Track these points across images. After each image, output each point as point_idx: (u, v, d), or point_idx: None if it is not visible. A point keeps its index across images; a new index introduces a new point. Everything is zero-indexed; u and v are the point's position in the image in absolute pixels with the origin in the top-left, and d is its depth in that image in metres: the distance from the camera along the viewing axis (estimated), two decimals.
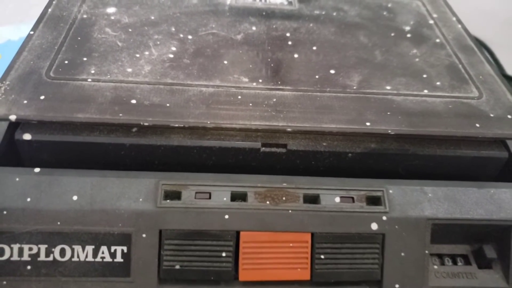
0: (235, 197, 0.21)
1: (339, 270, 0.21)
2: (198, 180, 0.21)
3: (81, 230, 0.20)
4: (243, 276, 0.20)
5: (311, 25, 0.29)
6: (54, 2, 0.27)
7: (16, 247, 0.20)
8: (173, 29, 0.27)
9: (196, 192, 0.21)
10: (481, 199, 0.22)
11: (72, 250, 0.20)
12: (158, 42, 0.26)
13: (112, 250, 0.20)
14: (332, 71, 0.25)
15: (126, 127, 0.21)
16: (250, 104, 0.22)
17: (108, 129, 0.21)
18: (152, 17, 0.28)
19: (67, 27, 0.26)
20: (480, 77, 0.26)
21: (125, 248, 0.20)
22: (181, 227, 0.20)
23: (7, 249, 0.19)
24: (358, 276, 0.21)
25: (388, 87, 0.24)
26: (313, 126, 0.22)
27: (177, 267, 0.20)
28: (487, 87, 0.25)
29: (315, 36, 0.28)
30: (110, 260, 0.20)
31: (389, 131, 0.22)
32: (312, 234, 0.21)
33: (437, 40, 0.29)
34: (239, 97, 0.23)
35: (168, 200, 0.20)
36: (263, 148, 0.22)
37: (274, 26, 0.29)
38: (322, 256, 0.21)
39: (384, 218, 0.21)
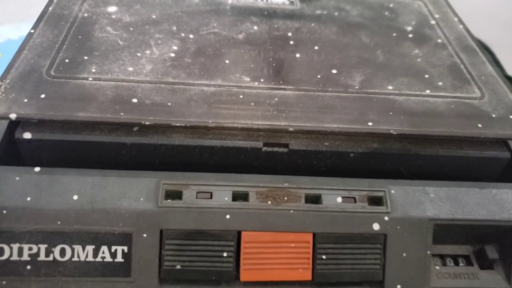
0: (236, 197, 0.21)
1: (341, 271, 0.21)
2: (199, 179, 0.21)
3: (82, 229, 0.20)
4: (244, 276, 0.20)
5: (312, 25, 0.29)
6: (55, 0, 0.27)
7: (16, 246, 0.19)
8: (175, 28, 0.27)
9: (197, 192, 0.21)
10: (483, 199, 0.22)
11: (72, 250, 0.20)
12: (160, 41, 0.26)
13: (113, 250, 0.20)
14: (334, 71, 0.25)
15: (127, 126, 0.21)
16: (252, 104, 0.22)
17: (109, 128, 0.21)
18: (154, 16, 0.28)
19: (68, 25, 0.26)
20: (482, 77, 0.26)
21: (125, 248, 0.20)
22: (182, 227, 0.20)
23: (6, 248, 0.19)
24: (360, 277, 0.21)
25: (390, 87, 0.24)
26: (315, 125, 0.21)
27: (178, 267, 0.20)
28: (489, 88, 0.25)
29: (316, 36, 0.28)
30: (111, 260, 0.20)
31: (391, 131, 0.22)
32: (314, 234, 0.21)
33: (439, 41, 0.28)
34: (241, 96, 0.23)
35: (169, 200, 0.20)
36: (265, 147, 0.22)
37: (275, 26, 0.28)
38: (324, 257, 0.21)
39: (386, 218, 0.21)
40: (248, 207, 0.21)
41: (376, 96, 0.24)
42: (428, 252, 0.21)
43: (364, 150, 0.22)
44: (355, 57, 0.26)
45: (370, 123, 0.22)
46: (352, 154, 0.22)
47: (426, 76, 0.25)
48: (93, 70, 0.23)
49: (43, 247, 0.19)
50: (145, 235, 0.20)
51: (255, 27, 0.28)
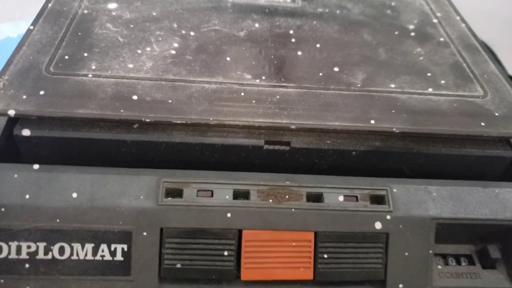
0: (237, 195, 0.21)
1: (342, 270, 0.21)
2: (200, 177, 0.21)
3: (81, 228, 0.19)
4: (245, 275, 0.20)
5: (314, 22, 0.29)
6: None
7: (14, 244, 0.19)
8: (175, 25, 0.27)
9: (198, 190, 0.21)
10: (486, 198, 0.22)
11: (72, 248, 0.19)
12: (160, 38, 0.25)
13: (112, 249, 0.20)
14: (336, 69, 0.25)
15: (127, 123, 0.21)
16: (253, 101, 0.22)
17: (109, 125, 0.21)
18: (154, 13, 0.27)
19: (67, 22, 0.25)
20: (485, 76, 0.25)
21: (125, 246, 0.20)
22: (183, 225, 0.20)
23: (5, 247, 0.19)
24: (362, 276, 0.21)
25: (393, 85, 0.24)
26: (317, 123, 0.21)
27: (178, 266, 0.20)
28: (492, 86, 0.25)
29: (318, 33, 0.28)
30: (110, 258, 0.20)
31: (394, 129, 0.22)
32: (315, 233, 0.21)
33: (441, 39, 0.28)
34: (242, 94, 0.22)
35: (169, 198, 0.20)
36: (266, 145, 0.22)
37: (277, 24, 0.28)
38: (325, 256, 0.21)
39: (388, 217, 0.21)
40: (249, 205, 0.20)
41: (378, 94, 0.23)
42: (430, 251, 0.21)
43: (366, 148, 0.22)
44: (357, 55, 0.26)
45: (372, 121, 0.22)
46: (354, 153, 0.22)
47: (429, 74, 0.25)
48: (93, 67, 0.23)
49: (41, 245, 0.19)
50: (145, 233, 0.20)
51: (257, 25, 0.28)
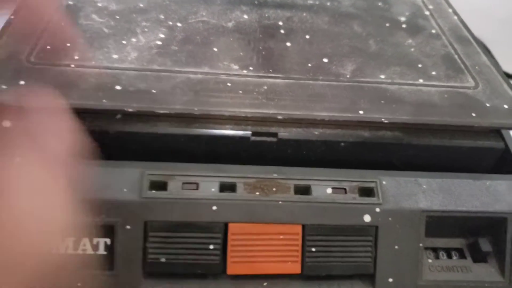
0: (223, 188, 0.20)
1: (331, 263, 0.20)
2: (185, 170, 0.20)
3: None
4: (231, 269, 0.20)
5: (304, 14, 0.28)
6: None
7: None
8: (162, 16, 0.26)
9: (183, 183, 0.20)
10: (477, 191, 0.22)
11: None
12: (146, 29, 0.25)
13: (95, 242, 0.19)
14: (325, 60, 0.24)
15: (110, 113, 0.20)
16: (240, 92, 0.22)
17: (91, 116, 0.20)
18: (141, 5, 0.27)
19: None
20: (476, 67, 0.25)
21: (108, 240, 0.19)
22: (167, 218, 0.19)
23: None
24: (350, 270, 0.21)
25: (382, 76, 0.24)
26: (304, 114, 0.21)
27: (163, 260, 0.19)
28: (483, 77, 0.25)
29: (308, 25, 0.27)
30: (93, 252, 0.19)
31: (383, 119, 0.21)
32: (303, 226, 0.20)
33: (433, 31, 0.28)
34: (229, 84, 0.22)
35: (153, 191, 0.20)
36: (253, 137, 0.21)
37: (266, 15, 0.28)
38: (313, 249, 0.20)
39: (377, 210, 0.21)
40: (236, 198, 0.20)
41: (368, 85, 0.23)
42: (421, 244, 0.21)
43: (355, 139, 0.22)
44: (346, 47, 0.26)
45: (361, 112, 0.21)
46: (342, 144, 0.22)
47: (420, 65, 0.25)
48: (76, 57, 0.22)
49: None
50: (128, 227, 0.19)
51: (245, 16, 0.27)
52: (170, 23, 0.26)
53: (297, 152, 0.22)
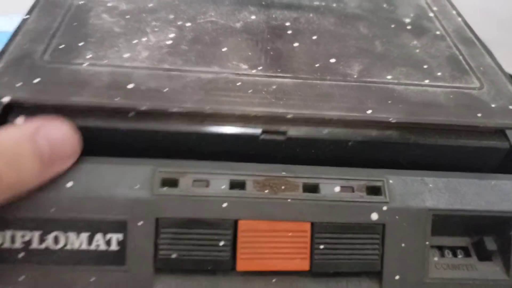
0: (233, 185, 0.21)
1: (339, 261, 0.21)
2: (196, 167, 0.21)
3: (76, 217, 0.19)
4: (240, 266, 0.20)
5: (311, 15, 0.29)
6: None
7: (8, 233, 0.19)
8: (172, 16, 0.26)
9: (194, 180, 0.20)
10: (482, 190, 0.22)
11: (66, 237, 0.19)
12: (156, 29, 0.25)
13: (107, 238, 0.19)
14: (332, 60, 0.25)
15: (123, 111, 0.21)
16: (250, 91, 0.22)
17: (104, 114, 0.21)
18: (151, 4, 0.27)
19: (62, 12, 0.25)
20: (481, 68, 0.26)
21: (120, 236, 0.19)
22: (178, 215, 0.20)
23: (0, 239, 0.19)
24: (358, 267, 0.21)
25: (389, 77, 0.24)
26: (313, 113, 0.21)
27: (174, 256, 0.20)
28: (488, 78, 0.25)
29: (315, 26, 0.28)
30: (105, 248, 0.19)
31: (390, 119, 0.22)
32: (312, 224, 0.21)
33: (438, 32, 0.28)
34: (238, 83, 0.22)
35: (165, 188, 0.20)
36: (263, 135, 0.22)
37: (273, 16, 0.28)
38: (322, 246, 0.20)
39: (385, 208, 0.21)
40: (245, 195, 0.20)
41: (375, 85, 0.23)
42: (427, 242, 0.21)
43: (363, 138, 0.22)
44: (353, 47, 0.26)
45: (368, 111, 0.22)
46: (350, 143, 0.22)
47: (425, 66, 0.25)
48: (88, 56, 0.22)
49: (36, 234, 0.19)
50: (140, 223, 0.19)
51: (253, 17, 0.28)
52: (180, 23, 0.26)
53: (305, 151, 0.22)
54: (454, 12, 0.31)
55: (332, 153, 0.22)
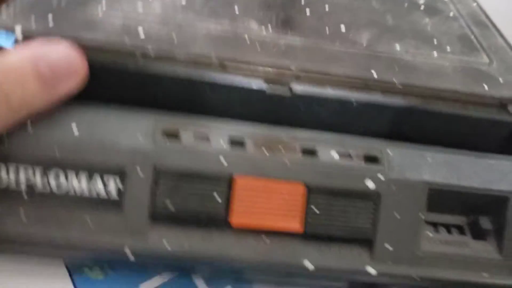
0: (233, 142, 0.21)
1: (332, 225, 0.21)
2: (197, 122, 0.21)
3: (78, 160, 0.20)
4: (234, 221, 0.20)
5: None
6: None
7: (12, 171, 0.20)
8: None
9: (195, 134, 0.21)
10: (481, 169, 0.22)
11: (67, 180, 0.20)
12: None
13: (107, 183, 0.20)
14: (343, 29, 0.25)
15: (131, 53, 0.21)
16: (258, 45, 0.22)
17: (113, 54, 0.21)
18: None
19: None
20: (492, 47, 0.25)
21: (119, 182, 0.20)
22: (177, 166, 0.20)
23: (3, 173, 0.20)
24: (350, 233, 0.21)
25: (398, 47, 0.24)
26: (320, 69, 0.21)
27: (170, 205, 0.20)
28: (498, 57, 0.25)
29: None
30: (104, 194, 0.20)
31: (396, 81, 0.22)
32: (307, 186, 0.21)
33: (451, 14, 0.28)
34: (247, 39, 0.23)
35: (165, 139, 0.20)
36: (268, 89, 0.22)
37: None
38: (315, 209, 0.21)
39: (381, 177, 0.21)
40: (244, 153, 0.21)
41: (383, 53, 0.24)
42: (421, 215, 0.21)
43: (367, 99, 0.22)
44: (364, 19, 0.26)
45: (374, 73, 0.22)
46: (355, 103, 0.22)
47: (435, 41, 0.25)
48: (103, 5, 0.23)
49: (38, 174, 0.20)
50: (139, 171, 0.20)
51: None
52: None
53: (309, 108, 0.22)
54: None
55: (336, 112, 0.22)
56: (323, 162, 0.21)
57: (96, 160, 0.20)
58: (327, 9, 0.27)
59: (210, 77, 0.21)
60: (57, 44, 0.19)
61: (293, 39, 0.23)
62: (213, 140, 0.21)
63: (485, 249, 0.22)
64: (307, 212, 0.21)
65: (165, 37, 0.21)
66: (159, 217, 0.20)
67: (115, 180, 0.20)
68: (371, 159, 0.21)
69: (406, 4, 0.29)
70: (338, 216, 0.21)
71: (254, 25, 0.24)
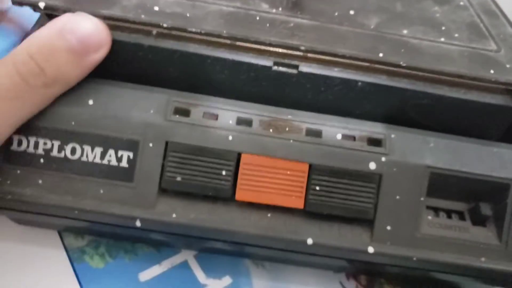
0: (240, 122, 0.22)
1: (333, 204, 0.21)
2: (207, 101, 0.22)
3: (93, 132, 0.21)
4: (239, 195, 0.21)
5: None
6: None
7: (32, 140, 0.21)
8: None
9: (204, 112, 0.22)
10: (483, 155, 0.22)
11: (82, 149, 0.21)
12: None
13: (119, 155, 0.21)
14: (352, 12, 0.25)
15: (146, 29, 0.22)
16: (267, 24, 0.23)
17: (129, 29, 0.22)
18: None
19: None
20: (501, 36, 0.25)
21: (131, 155, 0.21)
22: (187, 141, 0.21)
23: (24, 140, 0.21)
24: (351, 213, 0.22)
25: (405, 31, 0.25)
26: (327, 49, 0.22)
27: (178, 178, 0.21)
28: (507, 45, 0.25)
29: None
30: (116, 164, 0.21)
31: (401, 62, 0.22)
32: (310, 165, 0.21)
33: (461, 3, 0.28)
34: (257, 18, 0.23)
35: (177, 116, 0.21)
36: (275, 67, 0.22)
37: None
38: (317, 188, 0.21)
39: (383, 159, 0.22)
40: (251, 132, 0.21)
41: (390, 36, 0.24)
42: (422, 198, 0.22)
43: (373, 80, 0.22)
44: (374, 5, 0.26)
45: (381, 54, 0.22)
46: (360, 83, 0.22)
47: (443, 28, 0.25)
48: None
49: (56, 143, 0.21)
50: (151, 144, 0.21)
51: None
52: None
53: (315, 87, 0.23)
54: None
55: (341, 92, 0.23)
56: (327, 143, 0.22)
57: (110, 133, 0.21)
58: None
59: (219, 54, 0.22)
60: (85, 18, 0.20)
61: (301, 21, 0.24)
62: (222, 119, 0.22)
63: (484, 234, 0.22)
64: (309, 190, 0.21)
65: (179, 15, 0.22)
66: (168, 188, 0.21)
67: (127, 152, 0.21)
68: (374, 142, 0.22)
69: None
70: (339, 195, 0.22)
71: (265, 5, 0.24)
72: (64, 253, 0.25)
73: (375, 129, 0.22)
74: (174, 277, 0.25)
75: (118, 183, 0.21)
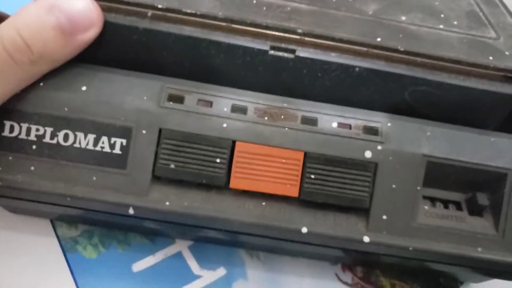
0: (235, 109, 0.21)
1: (328, 192, 0.21)
2: (202, 88, 0.22)
3: (86, 118, 0.21)
4: (234, 183, 0.21)
5: None
6: None
7: (25, 126, 0.21)
8: None
9: (199, 100, 0.21)
10: (481, 145, 0.22)
11: (75, 136, 0.21)
12: None
13: (112, 142, 0.21)
14: None
15: (141, 13, 0.22)
16: (264, 8, 0.23)
17: (124, 11, 0.22)
18: None
19: None
20: (500, 24, 0.25)
21: (124, 141, 0.21)
22: (180, 128, 0.21)
23: (16, 127, 0.21)
24: (346, 201, 0.21)
25: (404, 18, 0.24)
26: (324, 32, 0.22)
27: (172, 166, 0.21)
28: (506, 33, 0.24)
29: None
30: (109, 151, 0.21)
31: (399, 47, 0.22)
32: (305, 154, 0.21)
33: None
34: (254, 1, 0.23)
35: (171, 102, 0.21)
36: (272, 51, 0.22)
37: None
38: (313, 176, 0.21)
39: (379, 148, 0.21)
40: (245, 119, 0.21)
41: (389, 22, 0.24)
42: (418, 188, 0.22)
43: (370, 65, 0.22)
44: None
45: (379, 39, 0.22)
46: (357, 69, 0.22)
47: (442, 15, 0.25)
48: None
49: (49, 130, 0.21)
50: (144, 131, 0.21)
51: None
52: None
53: (312, 73, 0.22)
54: None
55: (338, 78, 0.22)
56: (322, 131, 0.21)
57: (103, 119, 0.21)
58: None
59: (215, 38, 0.22)
60: None
61: (299, 5, 0.24)
62: (217, 106, 0.21)
63: (481, 224, 0.22)
64: (304, 178, 0.21)
65: None
66: (161, 175, 0.21)
67: (120, 139, 0.21)
68: (370, 130, 0.22)
69: None
70: (335, 184, 0.21)
71: None
72: (57, 242, 0.25)
73: (371, 117, 0.22)
74: (167, 268, 0.25)
75: (111, 170, 0.21)
